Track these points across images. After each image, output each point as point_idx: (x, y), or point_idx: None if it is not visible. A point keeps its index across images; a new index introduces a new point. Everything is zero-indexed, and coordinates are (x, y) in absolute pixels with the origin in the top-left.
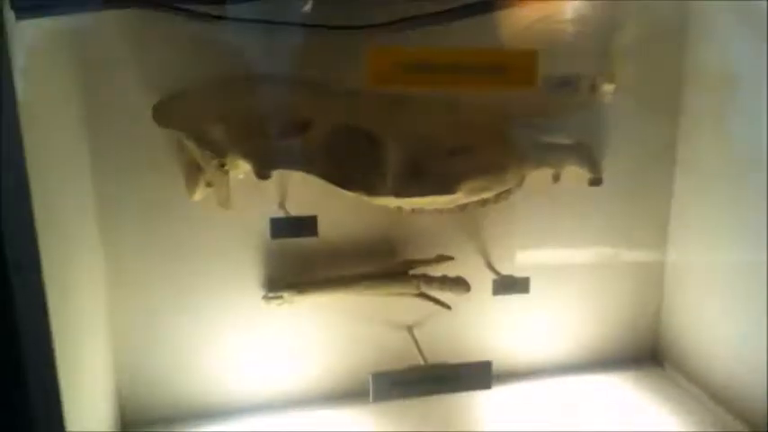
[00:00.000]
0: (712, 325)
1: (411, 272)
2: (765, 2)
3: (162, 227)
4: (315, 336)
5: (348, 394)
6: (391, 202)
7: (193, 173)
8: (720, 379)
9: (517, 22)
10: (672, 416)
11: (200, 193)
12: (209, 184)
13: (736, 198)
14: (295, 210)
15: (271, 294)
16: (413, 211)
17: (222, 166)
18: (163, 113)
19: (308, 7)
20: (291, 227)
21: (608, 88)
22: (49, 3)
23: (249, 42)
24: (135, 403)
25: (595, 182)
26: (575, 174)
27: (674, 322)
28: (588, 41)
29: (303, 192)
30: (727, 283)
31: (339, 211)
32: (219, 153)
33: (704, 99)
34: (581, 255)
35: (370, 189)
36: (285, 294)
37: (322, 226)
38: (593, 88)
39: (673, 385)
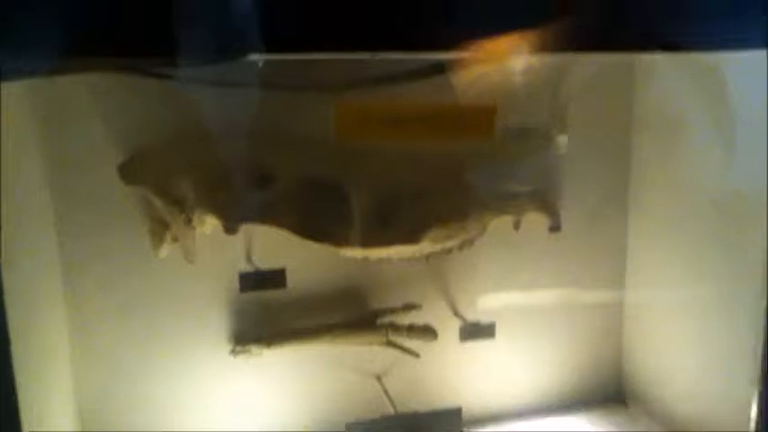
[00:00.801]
0: (673, 363)
1: (379, 321)
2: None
3: (128, 282)
4: (283, 388)
5: None
6: (358, 252)
7: (159, 229)
8: (683, 416)
9: (473, 77)
10: None
11: (165, 249)
12: (174, 240)
13: (688, 237)
14: (262, 262)
15: (238, 348)
16: (379, 260)
17: (189, 221)
18: (129, 170)
19: (274, 66)
20: (260, 280)
21: (561, 138)
22: (27, 66)
23: (214, 99)
24: None
25: (554, 228)
26: (534, 220)
27: (635, 361)
28: (541, 92)
29: (270, 243)
30: (685, 320)
31: (306, 261)
32: (186, 209)
33: (652, 144)
34: (543, 298)
35: (337, 240)
36: (253, 347)
37: (289, 277)
38: (548, 138)
39: (637, 424)
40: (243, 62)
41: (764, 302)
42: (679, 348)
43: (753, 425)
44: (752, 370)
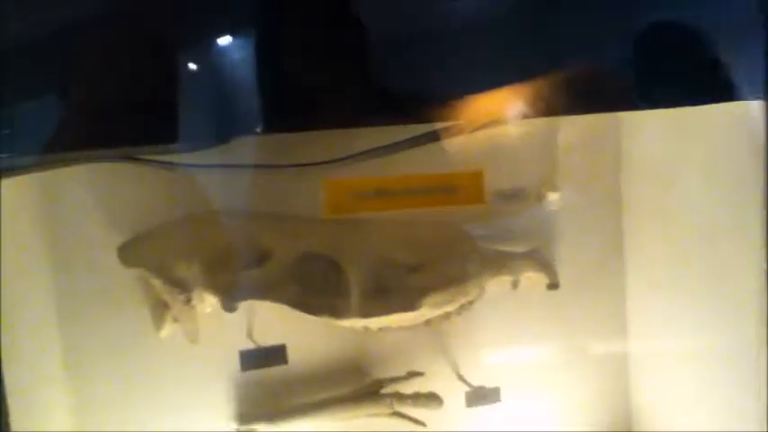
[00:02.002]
0: (681, 411)
1: (383, 391)
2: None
3: (129, 365)
4: None
5: None
6: (357, 322)
7: (160, 310)
8: None
9: (462, 144)
10: None
11: (167, 330)
12: (176, 320)
13: (686, 283)
14: (263, 338)
15: (242, 428)
16: (379, 330)
17: (189, 301)
18: (128, 254)
19: (265, 147)
20: (261, 357)
21: (553, 196)
22: (26, 162)
23: (210, 181)
24: None
25: (553, 286)
26: (532, 280)
27: (643, 413)
28: (530, 152)
29: (271, 319)
30: (691, 367)
31: (307, 335)
32: (186, 289)
33: (644, 192)
34: (547, 356)
35: (336, 312)
36: (258, 426)
37: (291, 352)
38: (540, 197)
39: None
40: (235, 144)
41: (764, 348)
42: (687, 397)
43: None
44: (759, 413)
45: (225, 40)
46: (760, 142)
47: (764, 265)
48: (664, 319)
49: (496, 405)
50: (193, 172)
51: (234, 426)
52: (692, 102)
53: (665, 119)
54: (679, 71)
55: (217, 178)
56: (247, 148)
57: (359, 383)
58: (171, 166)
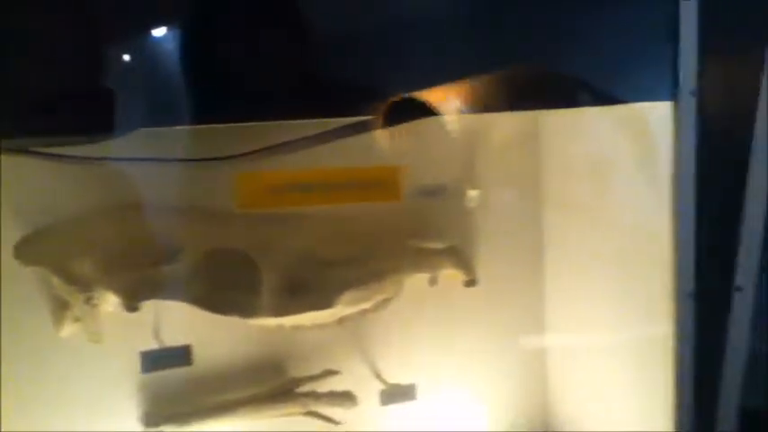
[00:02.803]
0: (599, 407)
1: (297, 390)
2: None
3: (29, 365)
4: None
5: None
6: (270, 321)
7: (60, 309)
8: None
9: (383, 139)
10: None
11: (67, 329)
12: (76, 320)
13: (601, 280)
14: (171, 338)
15: (150, 430)
16: (293, 327)
17: (90, 299)
18: (26, 251)
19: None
20: (164, 358)
21: (473, 193)
22: None
23: (114, 174)
24: None
25: (470, 283)
26: (450, 276)
27: (562, 409)
28: (451, 150)
29: (180, 318)
30: (605, 363)
31: (218, 334)
32: (87, 287)
33: (562, 189)
34: (463, 354)
35: (247, 311)
36: (165, 428)
37: (201, 352)
38: (461, 194)
39: None
40: (144, 135)
41: (671, 329)
42: (605, 391)
43: None
44: (665, 405)
45: (143, 27)
46: (669, 143)
47: (672, 263)
48: (580, 315)
49: (412, 403)
50: (101, 166)
51: (140, 427)
52: (603, 102)
53: (585, 117)
54: (591, 71)
55: (124, 171)
56: (160, 140)
57: (272, 382)
58: (74, 159)
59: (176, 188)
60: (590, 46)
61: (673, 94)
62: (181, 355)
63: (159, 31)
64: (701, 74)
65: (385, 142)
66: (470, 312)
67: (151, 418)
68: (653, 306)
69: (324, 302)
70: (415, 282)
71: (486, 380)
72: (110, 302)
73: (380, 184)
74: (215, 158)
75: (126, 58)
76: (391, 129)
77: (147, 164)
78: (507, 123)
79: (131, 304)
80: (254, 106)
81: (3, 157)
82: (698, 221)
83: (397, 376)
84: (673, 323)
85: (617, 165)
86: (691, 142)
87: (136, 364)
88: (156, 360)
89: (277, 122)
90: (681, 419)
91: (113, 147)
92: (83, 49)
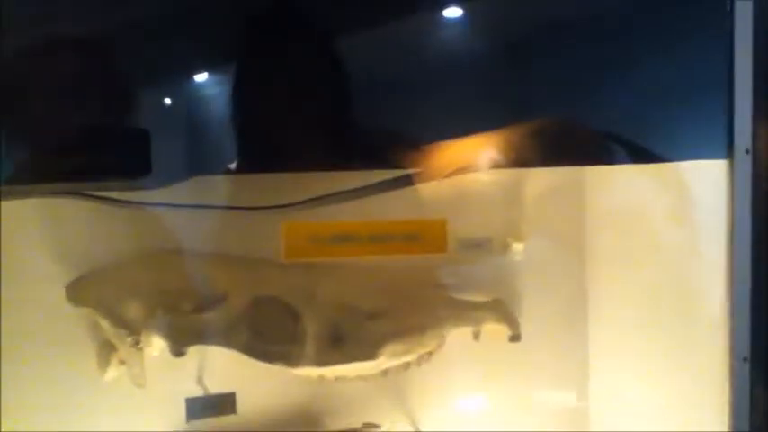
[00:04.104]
0: None
1: None
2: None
3: (71, 407)
4: None
5: None
6: (313, 371)
7: (106, 351)
8: None
9: (427, 191)
10: None
11: (111, 372)
12: (122, 363)
13: (650, 336)
14: (214, 384)
15: None
16: (336, 379)
17: (137, 343)
18: (77, 292)
19: (224, 187)
20: (209, 406)
21: (518, 246)
22: None
23: (165, 220)
24: None
25: (514, 338)
26: (494, 331)
27: None
28: (494, 201)
29: (222, 365)
30: (655, 423)
31: (260, 383)
32: (134, 331)
33: (607, 242)
34: (507, 409)
35: (291, 360)
36: None
37: (243, 399)
38: (504, 247)
39: None
40: (193, 183)
41: (726, 407)
42: None
43: None
44: None
45: (191, 77)
46: (723, 201)
47: (727, 325)
48: (625, 376)
49: None
50: (149, 210)
51: None
52: (654, 159)
53: (632, 171)
54: (642, 128)
55: (172, 217)
56: (206, 187)
57: None
58: (125, 203)
59: (222, 235)
60: (642, 101)
61: (727, 151)
62: (226, 403)
63: (214, 80)
64: (756, 131)
65: (428, 195)
66: (514, 369)
67: None
68: (703, 370)
69: (366, 354)
70: (459, 336)
71: None
72: (155, 346)
73: (425, 236)
74: (261, 207)
75: (177, 105)
76: (435, 181)
77: (196, 210)
78: (552, 176)
79: (178, 348)
80: (298, 156)
81: (56, 200)
82: (754, 282)
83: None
84: (726, 388)
85: (667, 222)
86: (746, 200)
87: (177, 410)
88: (201, 407)
89: (321, 173)
90: None
91: (159, 192)
92: (136, 94)
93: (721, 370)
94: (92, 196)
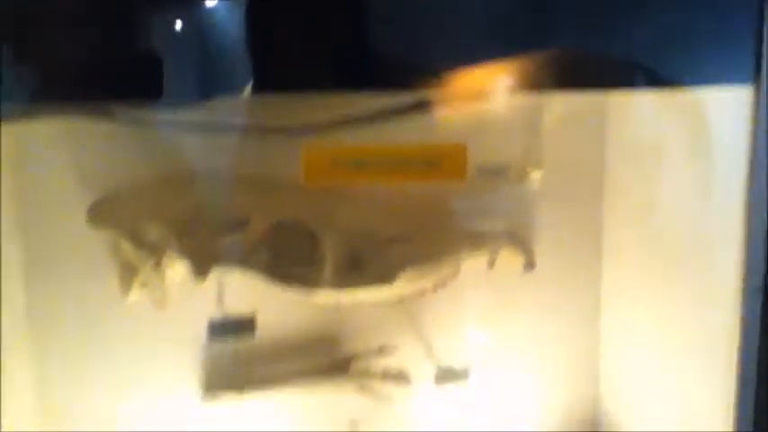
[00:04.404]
0: (651, 397)
1: (352, 366)
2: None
3: (95, 329)
4: None
5: None
6: (330, 297)
7: (128, 273)
8: None
9: (447, 116)
10: None
11: (134, 295)
12: (144, 285)
13: (663, 273)
14: (234, 307)
15: (209, 396)
16: (352, 305)
17: (158, 266)
18: (97, 214)
19: (245, 109)
20: (230, 327)
21: (536, 175)
22: None
23: (185, 142)
24: None
25: (529, 266)
26: (509, 259)
27: (613, 397)
28: (515, 130)
29: (242, 289)
30: (663, 354)
31: (279, 306)
32: (155, 253)
33: (626, 177)
34: (518, 338)
35: (308, 284)
36: (224, 395)
37: (262, 322)
38: (522, 176)
39: None
40: (215, 105)
41: (736, 341)
42: (658, 388)
43: None
44: (725, 402)
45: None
46: (746, 130)
47: (743, 261)
48: (638, 307)
49: (464, 385)
50: (170, 132)
51: (199, 395)
52: (676, 84)
53: (653, 102)
54: (664, 53)
55: (194, 139)
56: (228, 109)
57: (328, 358)
58: (146, 124)
59: (245, 158)
60: (666, 25)
61: (754, 78)
62: (246, 325)
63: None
64: None
65: (447, 122)
66: (527, 298)
67: (210, 385)
68: (716, 301)
69: (384, 278)
70: (474, 264)
71: (538, 367)
72: (177, 269)
73: (445, 162)
74: (281, 130)
75: (202, 25)
76: (454, 107)
77: (218, 132)
78: (573, 105)
79: (200, 271)
80: (318, 77)
81: (76, 122)
82: None
83: (452, 358)
84: (738, 319)
85: (686, 156)
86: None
87: (199, 331)
88: (222, 329)
89: (341, 97)
90: (741, 420)
91: (187, 114)
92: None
93: (734, 308)
94: (111, 117)
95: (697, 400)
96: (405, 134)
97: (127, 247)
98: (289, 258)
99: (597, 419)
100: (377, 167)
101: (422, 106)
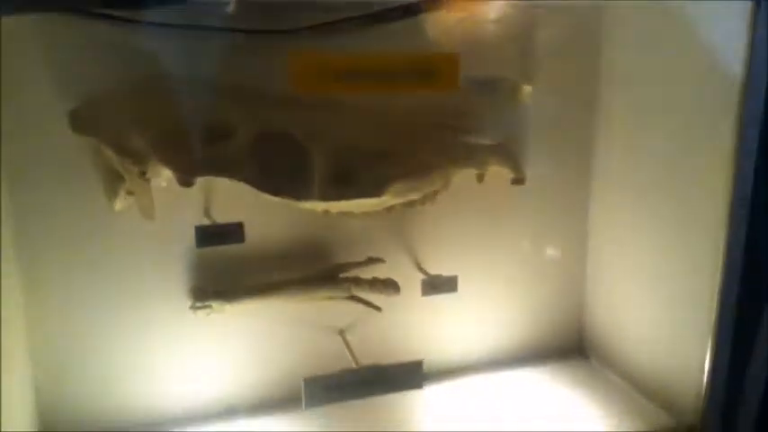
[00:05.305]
0: (635, 317)
1: (341, 275)
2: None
3: (82, 238)
4: (245, 344)
5: (281, 401)
6: (318, 206)
7: (113, 182)
8: (645, 370)
9: (439, 25)
10: (598, 406)
11: (120, 203)
12: (130, 193)
13: (652, 192)
14: (221, 217)
15: (198, 304)
16: (341, 214)
17: (143, 174)
18: (80, 120)
19: (231, 11)
20: (217, 234)
21: (526, 89)
22: None
23: (170, 47)
24: (57, 420)
25: (518, 181)
26: (498, 174)
27: (597, 315)
28: (508, 43)
29: (229, 198)
30: (648, 275)
31: (266, 216)
32: (140, 161)
33: (620, 97)
34: (506, 252)
35: (297, 194)
36: (213, 303)
37: (249, 232)
38: (514, 90)
39: (598, 377)
40: (203, 7)
41: (719, 260)
42: (641, 303)
43: (705, 374)
44: (705, 323)
45: None
46: (742, 45)
47: (729, 188)
48: (624, 224)
49: (452, 295)
50: (153, 34)
51: (189, 302)
52: None
53: (649, 31)
54: None
55: (179, 43)
56: (213, 11)
57: (317, 267)
58: (128, 23)
59: (232, 63)
60: None
61: None
62: (234, 232)
63: None
64: None
65: (439, 31)
66: (515, 213)
67: (199, 293)
68: (701, 231)
69: (373, 191)
70: (463, 178)
71: (525, 279)
72: (163, 177)
73: (437, 71)
74: (266, 31)
75: None
76: (445, 14)
77: (204, 37)
78: (569, 17)
79: (186, 179)
80: None
81: (56, 22)
82: (763, 127)
83: (439, 269)
84: (724, 232)
85: (681, 68)
86: (765, 43)
87: (186, 240)
88: (210, 235)
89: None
90: (720, 344)
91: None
92: None
93: (714, 243)
94: (97, 14)
95: (675, 325)
96: (395, 43)
97: (110, 154)
98: (277, 168)
99: (581, 333)
100: (367, 77)
101: (413, 10)
